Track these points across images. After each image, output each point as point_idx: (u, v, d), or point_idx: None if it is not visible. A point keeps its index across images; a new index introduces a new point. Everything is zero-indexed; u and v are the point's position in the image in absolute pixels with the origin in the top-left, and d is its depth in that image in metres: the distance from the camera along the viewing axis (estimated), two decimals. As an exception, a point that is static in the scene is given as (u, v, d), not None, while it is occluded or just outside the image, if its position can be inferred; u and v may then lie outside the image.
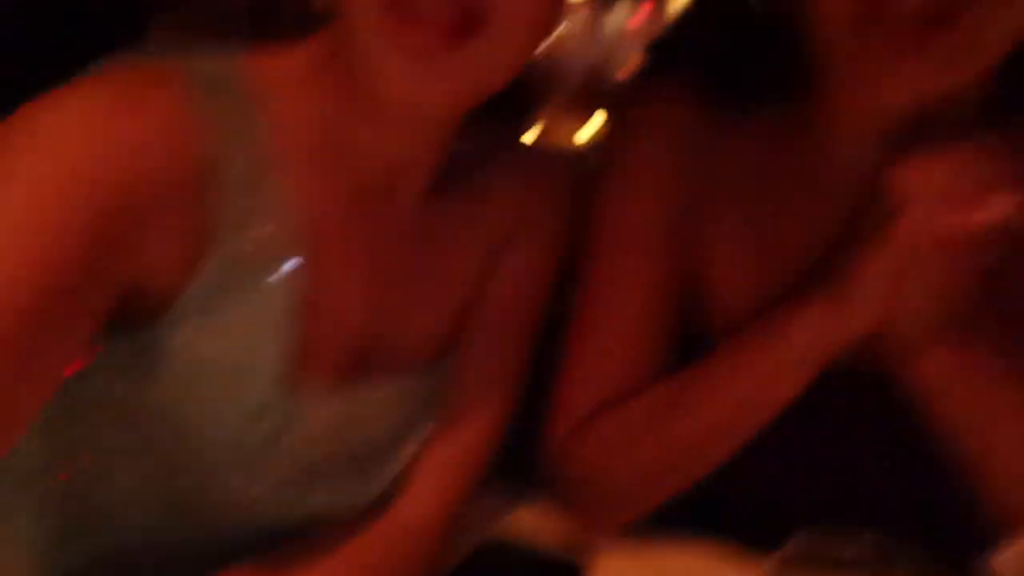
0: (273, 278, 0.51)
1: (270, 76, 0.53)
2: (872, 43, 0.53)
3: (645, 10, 1.67)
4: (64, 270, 0.41)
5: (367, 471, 0.62)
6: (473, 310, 0.66)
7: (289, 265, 0.52)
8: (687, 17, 0.67)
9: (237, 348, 0.51)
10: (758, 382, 0.61)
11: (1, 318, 0.38)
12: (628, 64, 1.56)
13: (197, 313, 0.49)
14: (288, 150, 0.52)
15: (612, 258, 0.68)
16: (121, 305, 0.47)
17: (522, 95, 0.63)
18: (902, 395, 0.60)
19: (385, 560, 0.61)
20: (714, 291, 0.68)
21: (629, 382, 0.66)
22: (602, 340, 0.67)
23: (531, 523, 0.72)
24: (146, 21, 0.66)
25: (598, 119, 1.33)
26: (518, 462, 0.70)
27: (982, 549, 0.58)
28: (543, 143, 0.72)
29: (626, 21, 1.66)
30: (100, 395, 0.54)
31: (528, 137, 0.74)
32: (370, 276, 0.58)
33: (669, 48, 0.70)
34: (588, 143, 1.29)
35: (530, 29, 0.50)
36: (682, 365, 0.66)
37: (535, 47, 0.52)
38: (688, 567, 0.66)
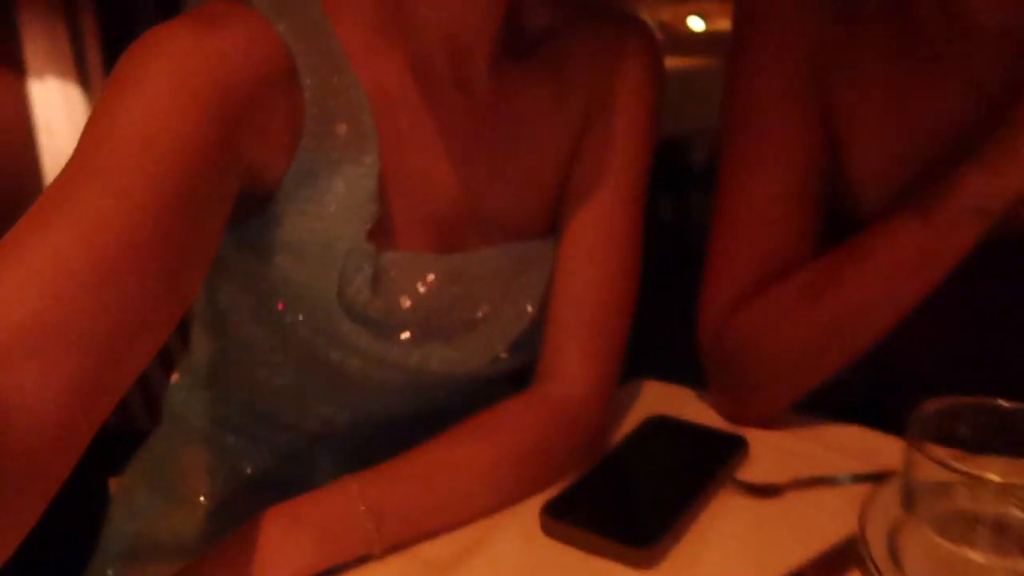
0: (354, 167, 0.57)
1: None
2: None
3: None
4: (204, 152, 0.46)
5: (485, 332, 0.66)
6: (572, 178, 0.67)
7: (367, 155, 0.57)
8: None
9: (332, 227, 0.57)
10: (920, 243, 0.58)
11: (163, 187, 0.42)
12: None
13: (295, 199, 0.56)
14: (355, 43, 0.58)
15: (751, 131, 0.66)
16: (241, 192, 0.53)
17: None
18: None
19: (556, 432, 0.63)
20: (856, 163, 0.66)
21: (781, 260, 0.65)
22: (749, 218, 0.66)
23: (695, 407, 0.73)
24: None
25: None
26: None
27: None
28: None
29: None
30: (232, 274, 0.61)
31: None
32: (451, 153, 0.62)
33: None
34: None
35: None
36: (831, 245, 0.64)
37: None
38: (842, 440, 0.67)
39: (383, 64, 0.59)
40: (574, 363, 0.65)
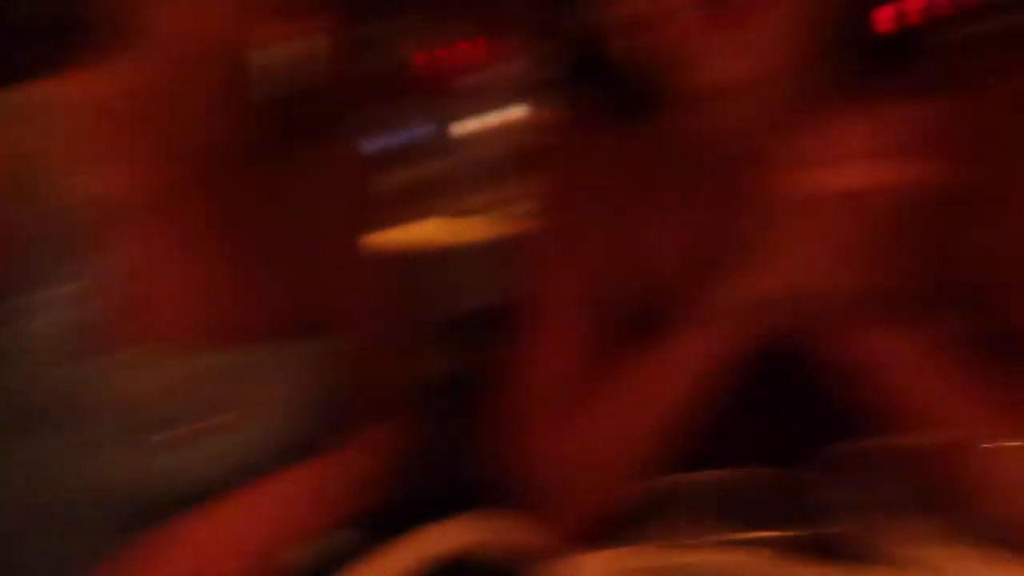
0: (95, 257, 0.60)
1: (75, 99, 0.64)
2: (693, 28, 0.56)
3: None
4: None
5: (226, 436, 0.67)
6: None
7: (109, 247, 0.61)
8: (572, 60, 0.71)
9: (69, 316, 0.60)
10: (691, 356, 0.62)
11: None
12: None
13: (35, 289, 0.60)
14: (98, 147, 0.62)
15: (555, 254, 0.72)
16: None
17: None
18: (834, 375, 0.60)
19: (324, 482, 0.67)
20: (649, 277, 0.69)
21: (580, 370, 0.68)
22: (552, 331, 0.69)
23: (483, 536, 0.66)
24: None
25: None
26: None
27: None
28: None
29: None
30: None
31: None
32: (198, 252, 0.66)
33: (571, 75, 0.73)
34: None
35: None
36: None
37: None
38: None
39: (124, 169, 0.63)
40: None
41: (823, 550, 0.49)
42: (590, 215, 0.71)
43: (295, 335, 0.70)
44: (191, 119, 0.64)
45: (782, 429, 0.61)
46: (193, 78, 0.63)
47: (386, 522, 0.65)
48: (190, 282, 0.65)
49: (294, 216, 0.72)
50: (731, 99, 0.63)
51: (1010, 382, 0.56)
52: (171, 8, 0.62)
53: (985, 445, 0.50)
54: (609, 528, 0.62)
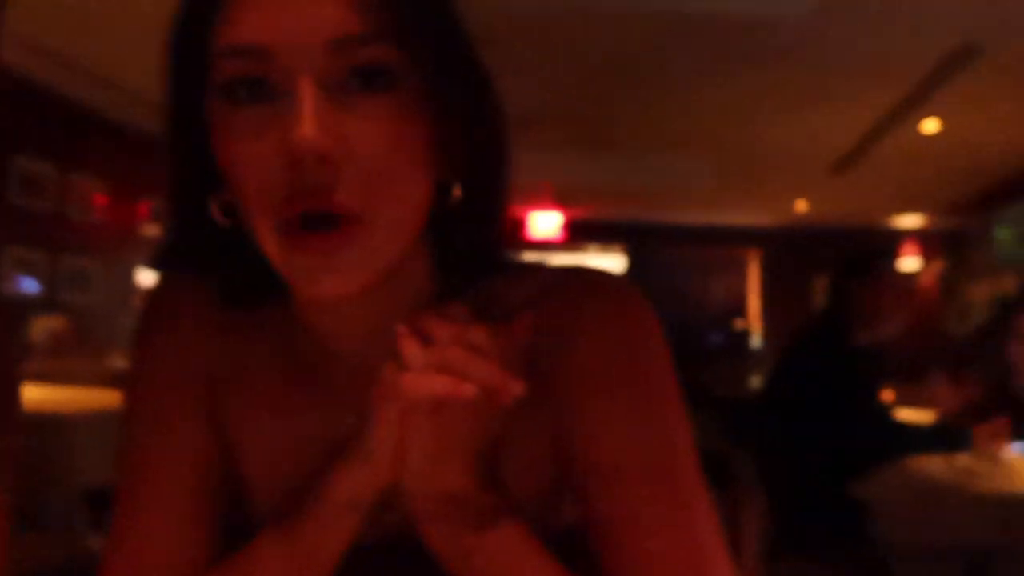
0: None
1: None
2: (290, 247, 0.55)
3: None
4: None
5: None
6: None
7: None
8: (168, 227, 0.67)
9: None
10: (301, 546, 0.61)
11: None
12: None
13: None
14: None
15: (147, 449, 0.66)
16: None
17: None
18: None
19: None
20: (249, 473, 0.68)
21: (178, 567, 0.64)
22: (140, 529, 0.64)
23: None
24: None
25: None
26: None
27: None
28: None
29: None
30: None
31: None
32: None
33: (163, 257, 0.69)
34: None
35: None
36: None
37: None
38: None
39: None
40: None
41: None
42: (184, 400, 0.67)
43: None
44: None
45: None
46: None
47: None
48: None
49: None
50: (328, 308, 0.63)
51: None
52: None
53: None
54: None
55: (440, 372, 0.54)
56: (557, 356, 0.63)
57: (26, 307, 4.83)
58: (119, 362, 5.41)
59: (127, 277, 5.89)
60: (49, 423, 2.73)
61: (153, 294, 0.71)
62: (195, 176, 0.60)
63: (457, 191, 0.61)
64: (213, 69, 0.55)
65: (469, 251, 0.65)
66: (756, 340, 8.24)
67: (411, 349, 0.55)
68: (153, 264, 0.70)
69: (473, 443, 0.60)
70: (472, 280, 0.66)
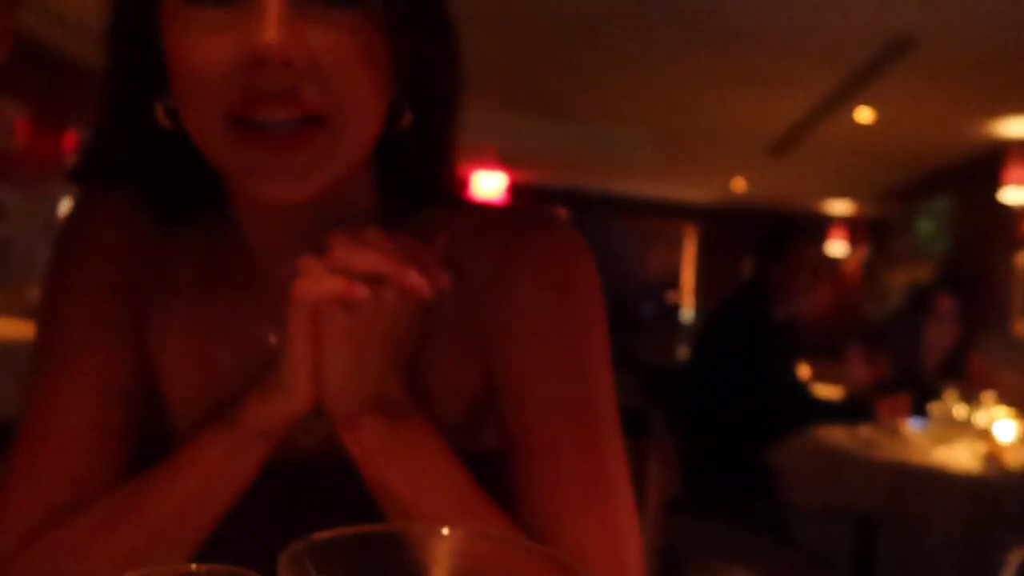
0: None
1: None
2: (243, 145, 0.54)
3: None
4: None
5: None
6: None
7: None
8: (97, 135, 0.66)
9: None
10: (208, 471, 0.59)
11: None
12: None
13: None
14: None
15: (57, 360, 0.65)
16: None
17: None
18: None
19: None
20: (169, 389, 0.67)
21: (81, 487, 0.62)
22: (50, 443, 0.63)
23: None
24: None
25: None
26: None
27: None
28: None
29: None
30: None
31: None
32: None
33: (87, 168, 0.68)
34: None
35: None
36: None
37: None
38: None
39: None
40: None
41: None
42: (102, 310, 0.66)
43: None
44: None
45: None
46: None
47: None
48: None
49: None
50: (264, 218, 0.63)
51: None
52: None
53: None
54: None
55: (332, 274, 0.55)
56: (493, 285, 0.64)
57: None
58: (35, 294, 5.27)
59: (49, 209, 5.70)
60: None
61: (71, 211, 0.69)
62: (135, 76, 0.60)
63: (408, 118, 0.61)
64: None
65: (413, 178, 0.66)
66: (687, 313, 8.44)
67: (306, 259, 0.56)
68: (74, 174, 0.68)
69: (390, 350, 0.59)
70: (413, 208, 0.67)
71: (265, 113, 0.53)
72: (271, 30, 0.50)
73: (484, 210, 0.69)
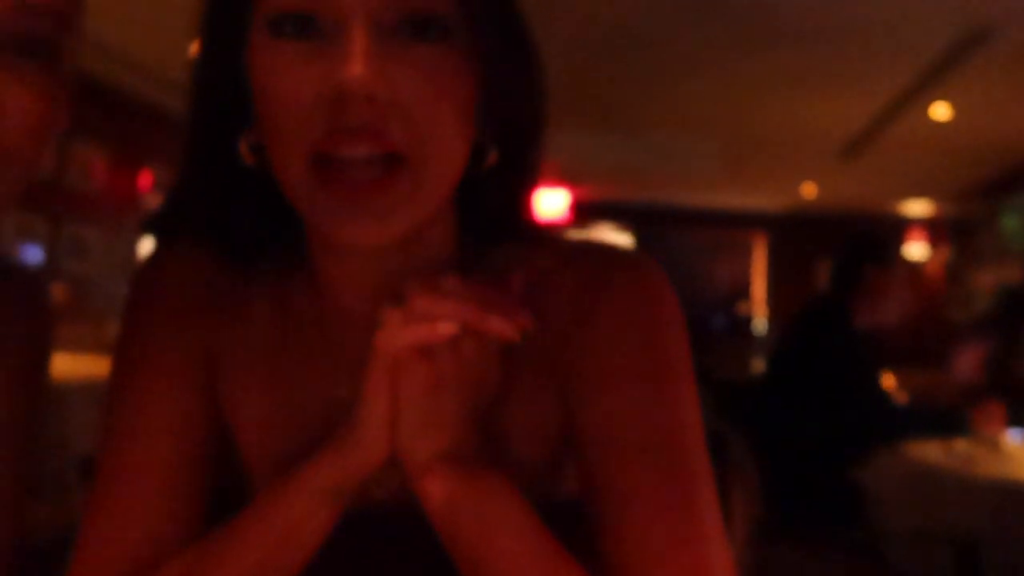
0: None
1: None
2: (326, 186, 0.53)
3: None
4: None
5: None
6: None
7: None
8: (178, 182, 0.65)
9: None
10: (285, 525, 0.59)
11: None
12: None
13: None
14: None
15: (132, 414, 0.64)
16: None
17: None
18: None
19: None
20: (244, 442, 0.66)
21: (157, 545, 0.62)
22: (125, 500, 0.62)
23: None
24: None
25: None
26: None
27: None
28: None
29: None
30: None
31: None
32: None
33: (164, 218, 0.67)
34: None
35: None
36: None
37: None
38: None
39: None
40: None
41: None
42: (176, 364, 0.65)
43: None
44: None
45: None
46: None
47: None
48: None
49: None
50: (343, 260, 0.62)
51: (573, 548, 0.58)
52: None
53: None
54: None
55: (413, 325, 0.54)
56: (575, 324, 0.62)
57: (41, 276, 4.86)
58: (115, 330, 5.43)
59: (127, 247, 5.89)
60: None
61: (146, 262, 0.69)
62: (220, 113, 0.60)
63: (493, 156, 0.60)
64: (262, 1, 0.54)
65: (495, 219, 0.65)
66: (760, 324, 8.23)
67: (389, 310, 0.55)
68: (149, 225, 0.68)
69: (467, 399, 0.58)
70: (492, 245, 0.65)
71: (347, 149, 0.53)
72: (356, 65, 0.51)
73: (564, 246, 0.67)
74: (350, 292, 0.63)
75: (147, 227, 0.68)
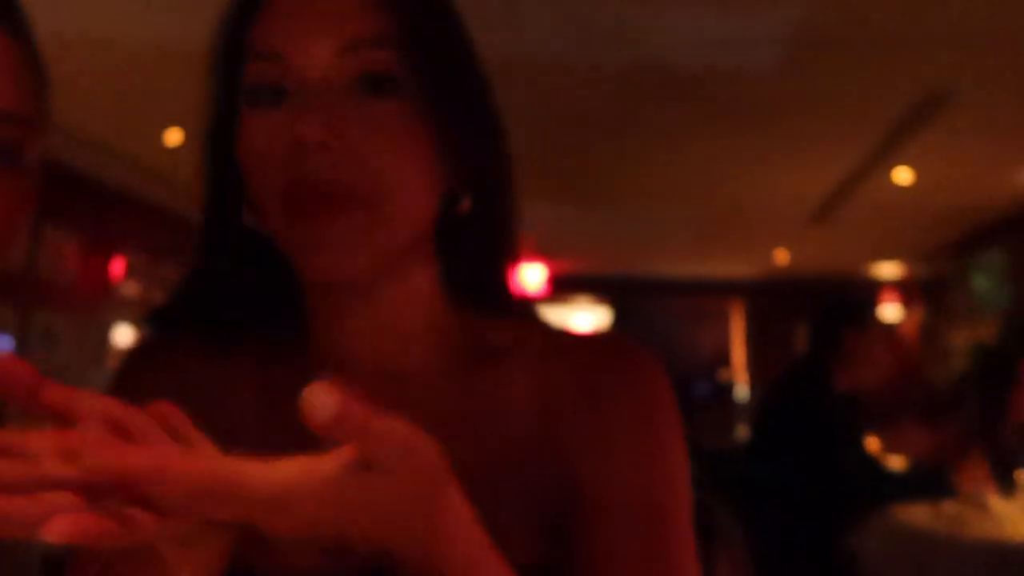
0: None
1: None
2: (296, 220, 0.58)
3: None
4: None
5: None
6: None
7: None
8: (186, 282, 0.68)
9: None
10: None
11: None
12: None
13: None
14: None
15: None
16: None
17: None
18: None
19: None
20: None
21: None
22: None
23: None
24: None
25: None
26: None
27: None
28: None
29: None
30: None
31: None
32: None
33: (174, 307, 0.68)
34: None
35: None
36: None
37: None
38: None
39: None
40: None
41: None
42: None
43: None
44: None
45: None
46: None
47: None
48: None
49: None
50: (334, 310, 0.64)
51: None
52: None
53: None
54: None
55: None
56: (573, 409, 0.64)
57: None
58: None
59: (99, 335, 5.81)
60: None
61: (131, 352, 0.70)
62: (225, 187, 0.64)
63: (466, 203, 0.63)
64: (244, 75, 0.60)
65: (481, 285, 0.67)
66: (742, 390, 8.22)
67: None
68: (160, 315, 0.69)
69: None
70: (485, 319, 0.67)
71: (309, 190, 0.57)
72: (310, 120, 0.56)
73: (560, 332, 0.69)
74: (340, 345, 0.64)
75: (153, 319, 0.69)
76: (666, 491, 0.63)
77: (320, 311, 0.65)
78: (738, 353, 8.44)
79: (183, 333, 0.68)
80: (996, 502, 2.47)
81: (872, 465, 2.71)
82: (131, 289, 6.10)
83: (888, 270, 7.74)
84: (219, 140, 0.64)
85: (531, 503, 0.64)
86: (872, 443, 3.47)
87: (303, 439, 0.61)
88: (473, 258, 0.66)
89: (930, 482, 2.65)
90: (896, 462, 3.33)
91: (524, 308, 0.69)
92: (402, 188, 0.59)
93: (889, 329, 2.79)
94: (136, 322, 6.12)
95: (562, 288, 7.79)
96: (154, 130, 4.76)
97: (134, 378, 0.68)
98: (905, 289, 7.67)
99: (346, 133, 0.57)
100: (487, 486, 0.60)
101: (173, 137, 4.95)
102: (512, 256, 0.68)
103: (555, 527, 0.63)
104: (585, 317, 8.25)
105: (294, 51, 0.58)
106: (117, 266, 5.97)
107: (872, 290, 7.59)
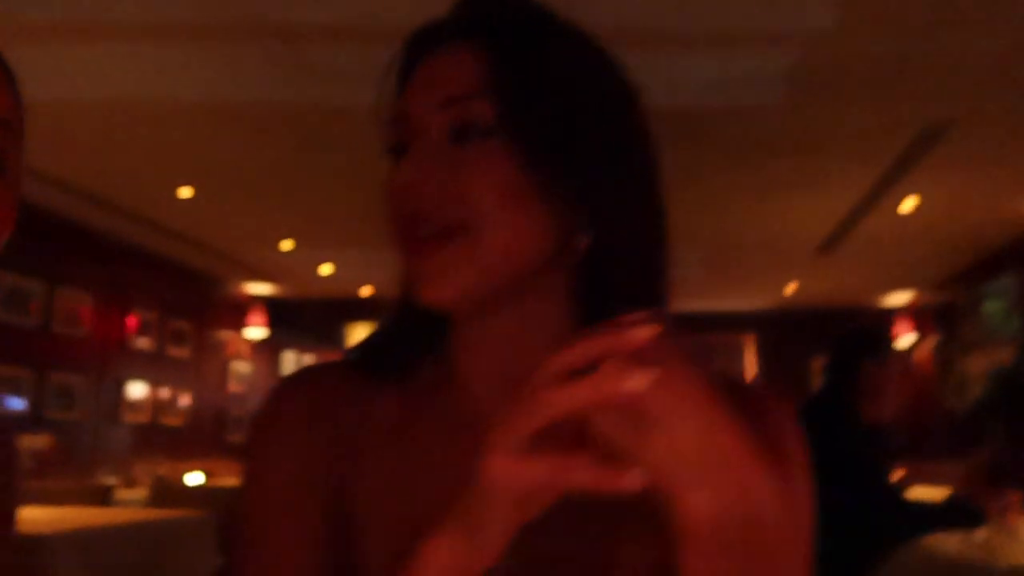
0: None
1: None
2: (408, 256, 0.65)
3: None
4: None
5: None
6: None
7: None
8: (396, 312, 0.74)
9: None
10: None
11: None
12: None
13: None
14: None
15: (260, 522, 0.67)
16: None
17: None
18: None
19: None
20: (369, 547, 0.67)
21: None
22: None
23: None
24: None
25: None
26: None
27: None
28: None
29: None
30: None
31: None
32: None
33: (373, 350, 0.74)
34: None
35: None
36: None
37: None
38: None
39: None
40: None
41: None
42: (298, 498, 0.68)
43: None
44: None
45: None
46: None
47: None
48: None
49: None
50: (465, 342, 0.69)
51: None
52: None
53: None
54: None
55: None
56: None
57: (13, 425, 4.78)
58: (104, 479, 5.30)
59: (114, 392, 5.82)
60: (30, 544, 2.65)
61: (275, 392, 0.72)
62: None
63: (582, 242, 0.65)
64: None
65: (611, 310, 0.62)
66: (757, 425, 8.15)
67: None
68: (362, 357, 0.73)
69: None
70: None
71: (406, 227, 0.65)
72: (403, 166, 0.65)
73: (710, 377, 0.68)
74: (475, 379, 0.68)
75: (356, 360, 0.72)
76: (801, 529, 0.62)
77: (458, 345, 0.70)
78: (752, 387, 8.38)
79: (344, 364, 0.72)
80: (1026, 530, 2.44)
81: (898, 497, 2.68)
82: (144, 344, 6.13)
83: (900, 299, 7.72)
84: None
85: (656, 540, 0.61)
86: (898, 475, 3.43)
87: (437, 453, 0.67)
88: (608, 298, 0.66)
89: (961, 513, 2.62)
90: (923, 493, 3.29)
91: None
92: (495, 222, 0.63)
93: (905, 358, 2.76)
94: (147, 379, 6.12)
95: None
96: (166, 188, 4.82)
97: (290, 398, 0.71)
98: (918, 317, 7.65)
99: (435, 176, 0.64)
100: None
101: (184, 193, 5.00)
102: (648, 300, 0.66)
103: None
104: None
105: (410, 111, 0.66)
106: (130, 321, 6.00)
107: (884, 319, 7.57)
